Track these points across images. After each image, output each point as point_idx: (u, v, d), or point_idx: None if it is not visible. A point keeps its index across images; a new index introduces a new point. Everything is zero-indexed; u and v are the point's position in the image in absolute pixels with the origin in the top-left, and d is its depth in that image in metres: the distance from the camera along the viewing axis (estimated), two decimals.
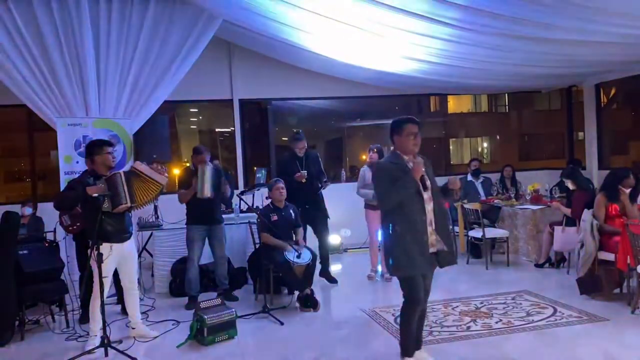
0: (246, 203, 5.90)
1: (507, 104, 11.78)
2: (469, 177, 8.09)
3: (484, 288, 5.76)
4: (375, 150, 6.28)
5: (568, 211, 6.02)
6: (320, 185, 6.26)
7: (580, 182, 6.10)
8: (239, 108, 8.39)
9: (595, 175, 8.57)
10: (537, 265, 6.58)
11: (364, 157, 6.47)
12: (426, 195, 3.47)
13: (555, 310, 4.83)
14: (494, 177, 8.42)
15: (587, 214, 5.28)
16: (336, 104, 9.62)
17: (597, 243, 5.13)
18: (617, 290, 5.19)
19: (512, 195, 7.75)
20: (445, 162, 11.05)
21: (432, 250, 3.49)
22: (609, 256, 5.07)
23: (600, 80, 8.68)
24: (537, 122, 11.37)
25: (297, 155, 6.22)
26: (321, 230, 6.30)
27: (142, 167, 4.38)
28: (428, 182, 3.50)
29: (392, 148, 3.67)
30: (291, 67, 8.28)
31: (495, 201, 7.52)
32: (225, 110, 8.47)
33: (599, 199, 5.29)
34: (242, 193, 6.55)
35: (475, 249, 7.22)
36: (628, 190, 5.29)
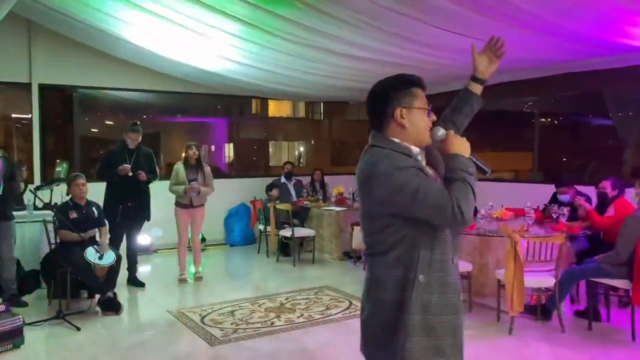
0: (41, 200, 5.38)
1: (322, 112, 12.51)
2: (283, 179, 8.44)
3: (290, 285, 6.07)
4: (195, 146, 6.22)
5: None
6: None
7: None
8: (38, 93, 7.57)
9: None
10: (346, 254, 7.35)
11: (184, 154, 6.37)
12: None
13: (350, 304, 5.29)
14: (307, 179, 8.88)
15: None
16: (154, 98, 9.21)
17: None
18: None
19: (320, 198, 8.29)
20: (265, 164, 11.39)
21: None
22: None
23: None
24: (346, 130, 12.26)
25: (128, 147, 5.89)
26: (134, 233, 6.06)
27: None
28: None
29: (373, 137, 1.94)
30: (103, 54, 7.72)
31: (305, 202, 7.97)
32: (23, 95, 7.58)
33: None
34: (37, 188, 5.96)
35: (285, 248, 7.57)
36: None
